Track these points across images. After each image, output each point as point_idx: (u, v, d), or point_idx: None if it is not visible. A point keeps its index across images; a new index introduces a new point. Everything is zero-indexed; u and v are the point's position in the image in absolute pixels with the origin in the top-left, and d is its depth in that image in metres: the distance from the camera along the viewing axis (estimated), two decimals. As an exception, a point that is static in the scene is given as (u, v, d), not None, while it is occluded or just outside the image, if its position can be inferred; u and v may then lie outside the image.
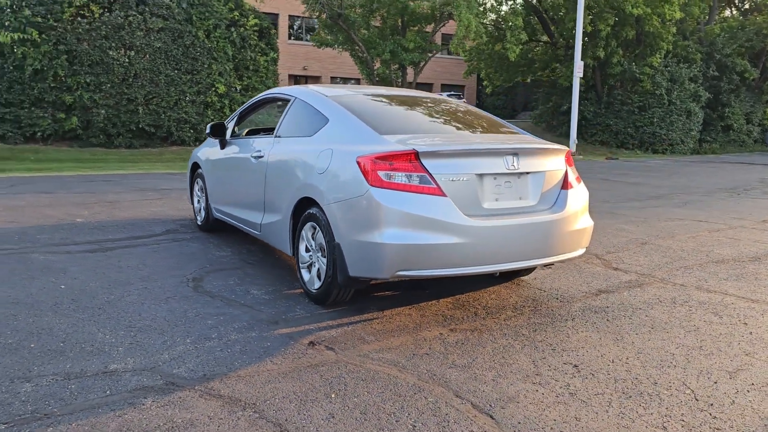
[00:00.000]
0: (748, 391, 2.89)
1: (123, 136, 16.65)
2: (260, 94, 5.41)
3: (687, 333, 3.70)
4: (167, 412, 2.59)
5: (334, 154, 3.84)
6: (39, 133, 15.92)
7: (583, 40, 22.78)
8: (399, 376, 3.00)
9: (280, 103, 5.09)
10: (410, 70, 23.07)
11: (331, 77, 41.98)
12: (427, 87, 45.29)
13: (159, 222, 6.74)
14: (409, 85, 22.90)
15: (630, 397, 2.83)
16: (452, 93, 36.82)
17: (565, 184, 3.99)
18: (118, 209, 7.50)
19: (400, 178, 3.48)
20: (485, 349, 3.35)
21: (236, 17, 18.04)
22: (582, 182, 4.25)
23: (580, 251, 4.08)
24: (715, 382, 2.99)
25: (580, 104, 23.99)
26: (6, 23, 14.83)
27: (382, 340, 3.45)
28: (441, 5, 19.90)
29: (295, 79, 42.84)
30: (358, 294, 4.20)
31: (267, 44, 19.13)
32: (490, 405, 2.72)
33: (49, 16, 15.32)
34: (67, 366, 3.00)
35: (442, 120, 4.45)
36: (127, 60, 16.18)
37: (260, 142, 4.92)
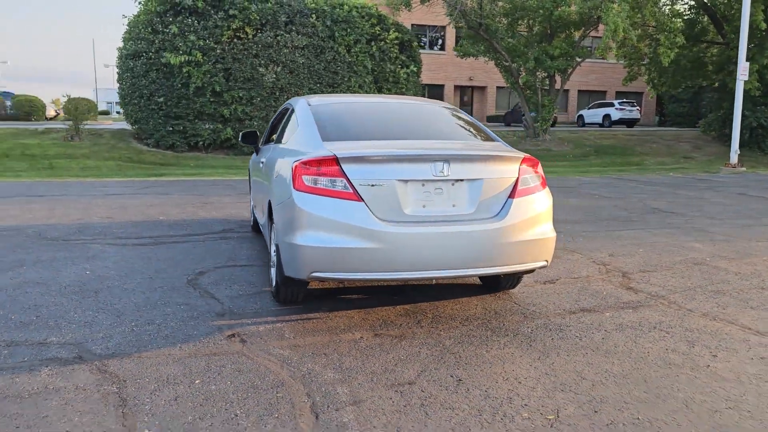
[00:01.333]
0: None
1: (271, 146, 18.13)
2: (282, 105, 5.80)
3: (622, 361, 3.33)
4: (49, 379, 2.98)
5: (284, 160, 4.07)
6: (201, 143, 17.93)
7: (758, 38, 20.29)
8: (275, 371, 3.12)
9: (289, 111, 5.42)
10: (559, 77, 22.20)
11: (497, 87, 41.73)
12: (599, 95, 43.13)
13: (226, 222, 7.40)
14: (557, 93, 22.05)
15: (478, 415, 2.68)
16: (624, 101, 34.62)
17: (513, 193, 3.79)
18: (206, 210, 8.35)
19: (322, 182, 3.61)
20: (387, 355, 3.35)
21: (377, 32, 18.82)
22: (544, 190, 4.00)
23: (536, 264, 3.84)
24: (580, 416, 2.70)
25: (757, 111, 21.38)
26: (176, 47, 16.96)
27: (298, 338, 3.59)
28: (590, 9, 18.97)
29: (461, 90, 43.24)
30: (328, 293, 4.36)
31: (408, 57, 19.68)
32: (329, 406, 2.74)
33: (210, 39, 17.23)
34: (19, 335, 3.54)
35: (403, 127, 4.43)
36: (274, 75, 17.64)
37: (266, 149, 5.30)
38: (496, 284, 4.51)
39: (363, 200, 3.56)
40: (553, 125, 25.60)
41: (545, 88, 22.15)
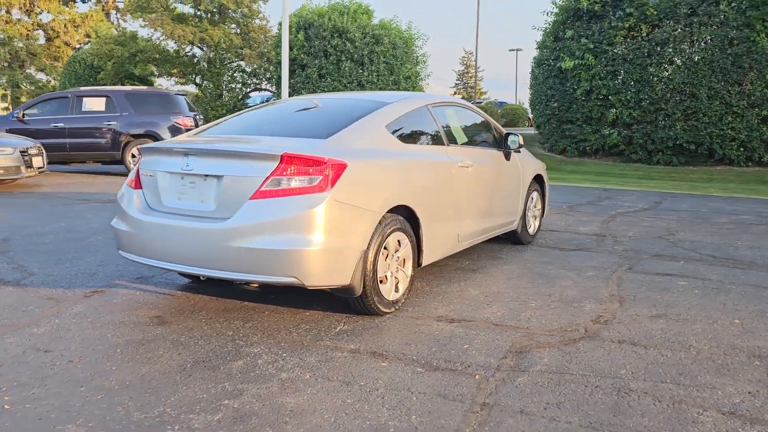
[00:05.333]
0: None
1: (663, 153, 16.57)
2: None
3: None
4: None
5: None
6: (587, 148, 17.78)
7: None
8: (148, 348, 3.49)
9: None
10: None
11: None
12: None
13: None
14: None
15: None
16: None
17: (256, 194, 3.47)
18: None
19: (133, 172, 4.21)
20: (209, 344, 3.65)
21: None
22: (317, 195, 3.42)
23: (280, 279, 3.41)
24: None
25: None
26: (572, 52, 17.25)
27: (208, 324, 4.01)
28: None
29: None
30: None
31: None
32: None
33: (603, 41, 16.83)
34: None
35: (265, 125, 4.48)
36: (666, 75, 16.00)
37: None
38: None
39: (142, 188, 4.02)
40: None
41: None
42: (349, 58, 19.67)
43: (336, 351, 3.38)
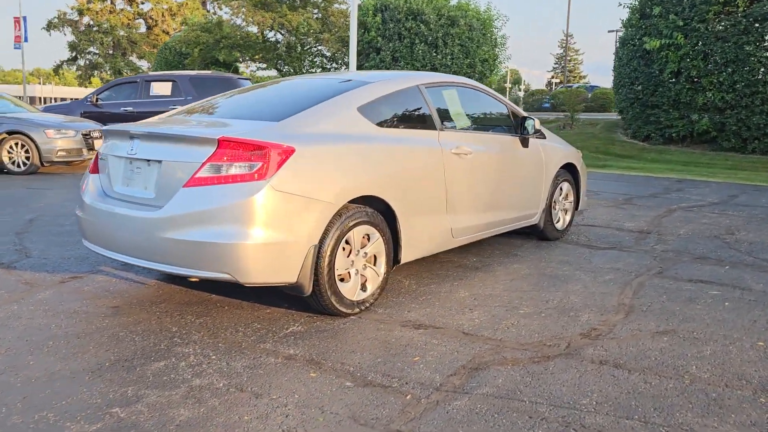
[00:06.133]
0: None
1: (759, 141, 15.09)
2: None
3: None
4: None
5: None
6: (674, 134, 16.48)
7: None
8: (82, 342, 3.63)
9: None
10: None
11: None
12: None
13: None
14: None
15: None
16: None
17: (190, 181, 3.17)
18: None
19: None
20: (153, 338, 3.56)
21: None
22: (254, 183, 3.10)
23: (208, 273, 3.12)
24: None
25: None
26: (659, 30, 15.96)
27: (158, 318, 4.16)
28: None
29: None
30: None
31: None
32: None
33: (695, 17, 15.45)
34: None
35: (240, 107, 4.18)
36: (765, 54, 14.47)
37: None
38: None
39: (98, 173, 3.83)
40: None
41: None
42: (423, 41, 19.17)
43: (271, 356, 3.07)
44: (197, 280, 3.86)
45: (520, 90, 53.61)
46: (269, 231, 3.10)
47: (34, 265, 4.66)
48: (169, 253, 3.20)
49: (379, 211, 3.68)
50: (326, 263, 3.35)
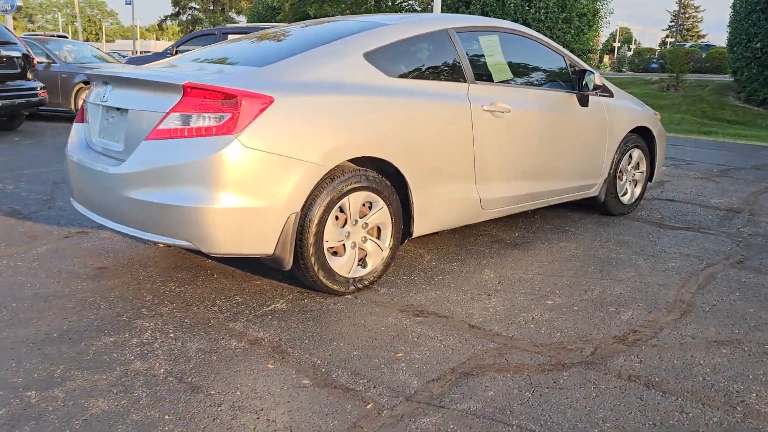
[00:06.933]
0: None
1: None
2: None
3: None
4: None
5: None
6: (795, 99, 14.65)
7: None
8: (46, 306, 3.51)
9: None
10: None
11: None
12: None
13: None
14: None
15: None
16: None
17: (152, 133, 2.74)
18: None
19: None
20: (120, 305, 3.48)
21: None
22: (224, 137, 2.64)
23: (169, 240, 2.73)
24: None
25: None
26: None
27: (138, 284, 3.96)
28: None
29: None
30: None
31: None
32: None
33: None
34: None
35: (238, 52, 3.66)
36: None
37: None
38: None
39: (83, 122, 3.46)
40: None
41: None
42: (515, -7, 17.93)
43: (234, 339, 2.66)
44: (166, 246, 3.48)
45: (629, 50, 50.16)
46: (237, 194, 2.65)
47: (49, 218, 4.49)
48: (130, 215, 2.84)
49: (386, 176, 3.13)
50: (312, 233, 2.87)
